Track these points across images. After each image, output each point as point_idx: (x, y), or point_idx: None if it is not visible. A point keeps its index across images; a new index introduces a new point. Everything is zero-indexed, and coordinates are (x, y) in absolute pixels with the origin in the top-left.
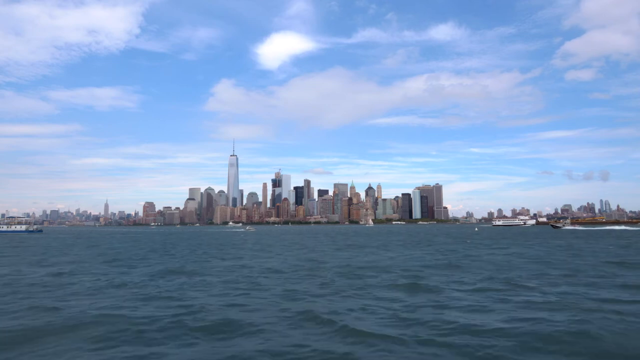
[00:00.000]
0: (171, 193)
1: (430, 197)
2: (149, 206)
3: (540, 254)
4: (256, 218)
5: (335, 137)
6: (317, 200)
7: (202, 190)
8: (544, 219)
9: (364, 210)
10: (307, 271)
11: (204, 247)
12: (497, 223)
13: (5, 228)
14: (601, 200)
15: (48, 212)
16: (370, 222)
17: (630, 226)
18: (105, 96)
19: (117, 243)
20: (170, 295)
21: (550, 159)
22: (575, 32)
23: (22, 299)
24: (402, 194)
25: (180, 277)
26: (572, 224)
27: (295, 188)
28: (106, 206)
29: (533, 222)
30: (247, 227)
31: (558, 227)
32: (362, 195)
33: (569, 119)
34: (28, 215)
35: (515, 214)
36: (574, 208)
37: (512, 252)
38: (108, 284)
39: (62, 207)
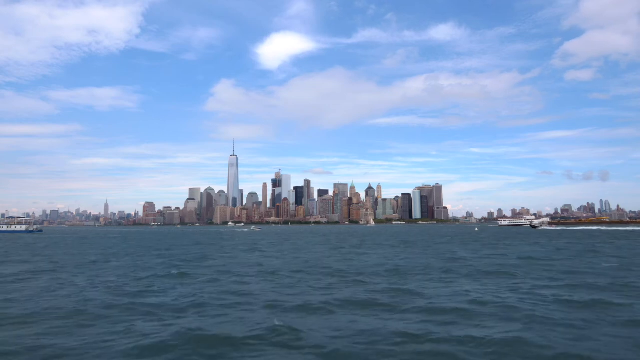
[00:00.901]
0: (171, 193)
1: (430, 197)
2: (149, 206)
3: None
4: (256, 218)
5: (335, 137)
6: (317, 200)
7: (202, 190)
8: (547, 219)
9: (364, 210)
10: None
11: (196, 249)
12: (503, 223)
13: (5, 228)
14: (601, 200)
15: (48, 212)
16: (372, 222)
17: (608, 226)
18: (105, 96)
19: (107, 243)
20: (112, 302)
21: (550, 159)
22: (575, 33)
23: None
24: (402, 194)
25: (139, 282)
26: (550, 224)
27: (295, 188)
28: (106, 206)
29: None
30: (252, 227)
31: (535, 226)
32: (362, 195)
33: (569, 119)
34: (28, 215)
35: (515, 214)
36: (574, 208)
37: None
38: (59, 285)
39: (62, 207)
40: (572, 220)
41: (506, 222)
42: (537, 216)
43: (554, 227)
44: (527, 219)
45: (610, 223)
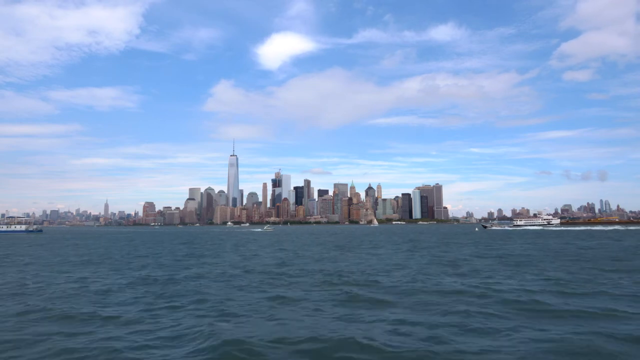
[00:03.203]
0: (171, 193)
1: (430, 197)
2: (149, 206)
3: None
4: (256, 218)
5: (334, 137)
6: (317, 200)
7: (202, 190)
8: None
9: (364, 210)
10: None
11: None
12: (519, 223)
13: (5, 228)
14: (601, 200)
15: (48, 212)
16: (375, 222)
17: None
18: (105, 96)
19: (98, 244)
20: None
21: (550, 159)
22: (572, 34)
23: None
24: (402, 194)
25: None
26: (509, 225)
27: (295, 188)
28: (106, 206)
29: (558, 221)
30: (265, 227)
31: (486, 227)
32: (362, 195)
33: (568, 119)
34: (28, 215)
35: (515, 214)
36: (574, 208)
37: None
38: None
39: (62, 207)
40: (581, 221)
41: (522, 222)
42: (537, 216)
43: (497, 228)
44: (545, 219)
45: (620, 222)
